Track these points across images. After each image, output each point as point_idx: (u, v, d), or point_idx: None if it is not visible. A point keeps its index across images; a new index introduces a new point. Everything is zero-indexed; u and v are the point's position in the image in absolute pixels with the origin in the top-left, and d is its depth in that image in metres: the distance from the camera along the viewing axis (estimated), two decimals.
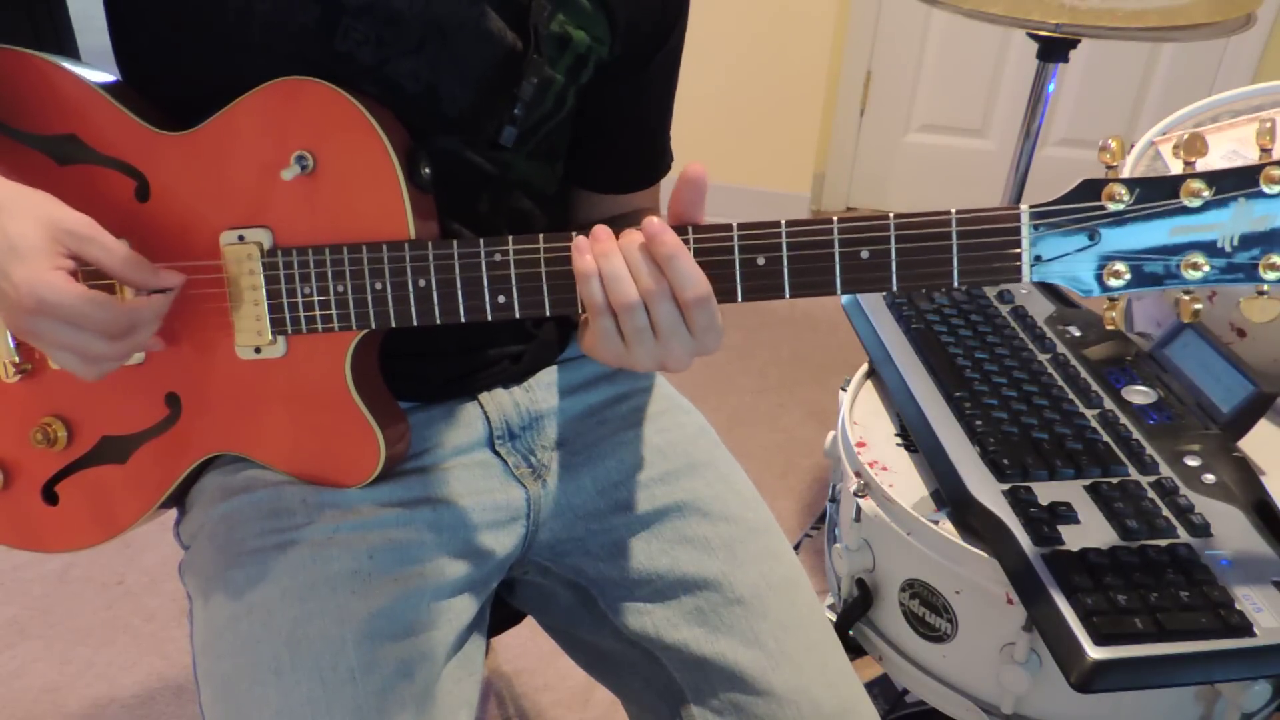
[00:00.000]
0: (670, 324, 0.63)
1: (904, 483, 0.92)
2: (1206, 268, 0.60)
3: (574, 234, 0.66)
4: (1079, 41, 1.40)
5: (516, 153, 0.78)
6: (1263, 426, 0.91)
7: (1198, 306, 0.62)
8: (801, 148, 2.78)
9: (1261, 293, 0.60)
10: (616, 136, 0.86)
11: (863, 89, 2.78)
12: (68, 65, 0.72)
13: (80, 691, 1.46)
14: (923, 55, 2.71)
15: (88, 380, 0.68)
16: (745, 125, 2.74)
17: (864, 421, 1.02)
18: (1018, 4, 1.30)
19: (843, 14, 2.62)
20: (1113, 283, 0.61)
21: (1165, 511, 0.80)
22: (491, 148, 0.76)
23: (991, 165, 2.74)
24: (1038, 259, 0.62)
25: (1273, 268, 0.59)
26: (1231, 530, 0.79)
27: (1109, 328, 0.65)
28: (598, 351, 0.67)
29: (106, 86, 0.72)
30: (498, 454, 0.83)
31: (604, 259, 0.63)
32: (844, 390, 1.06)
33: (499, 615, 0.96)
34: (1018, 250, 0.62)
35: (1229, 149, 1.08)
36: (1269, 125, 0.58)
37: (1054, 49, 1.44)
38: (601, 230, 0.65)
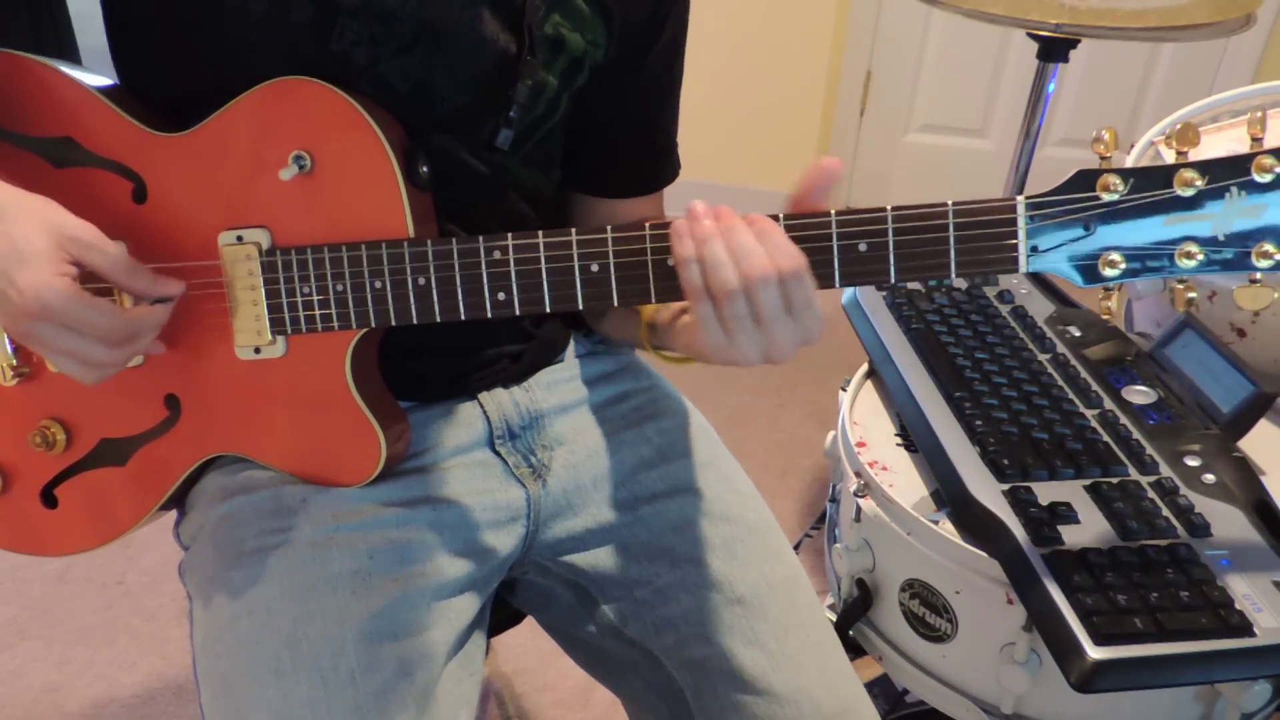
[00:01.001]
0: (773, 309, 0.61)
1: (904, 483, 0.92)
2: (1200, 256, 0.60)
3: (669, 221, 0.64)
4: (1079, 41, 1.39)
5: (511, 156, 0.78)
6: (1263, 426, 0.91)
7: (1192, 295, 0.62)
8: (801, 148, 2.78)
9: (1254, 281, 0.61)
10: (615, 140, 0.86)
11: (863, 89, 2.78)
12: (63, 68, 0.72)
13: (80, 691, 1.46)
14: (923, 55, 2.70)
15: (86, 385, 0.68)
16: (745, 125, 2.74)
17: (864, 421, 1.02)
18: (1018, 4, 1.30)
19: (843, 14, 2.62)
20: (1108, 273, 0.61)
21: (1165, 511, 0.80)
22: (488, 150, 0.76)
23: (991, 165, 2.74)
24: (1034, 250, 0.62)
25: (1264, 256, 0.59)
26: (1231, 530, 0.79)
27: (1104, 318, 0.66)
28: (699, 344, 0.65)
29: (102, 89, 0.72)
30: (498, 453, 0.83)
31: (704, 244, 0.62)
32: (844, 390, 1.06)
33: (499, 615, 0.95)
34: (1014, 241, 0.62)
35: (1229, 149, 1.08)
36: (1259, 115, 0.58)
37: (1054, 49, 1.44)
38: (699, 208, 0.63)
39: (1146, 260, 0.61)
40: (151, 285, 0.68)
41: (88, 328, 0.63)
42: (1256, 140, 0.59)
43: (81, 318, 0.63)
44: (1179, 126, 0.60)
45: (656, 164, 0.89)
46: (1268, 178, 0.58)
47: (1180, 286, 0.62)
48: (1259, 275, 0.60)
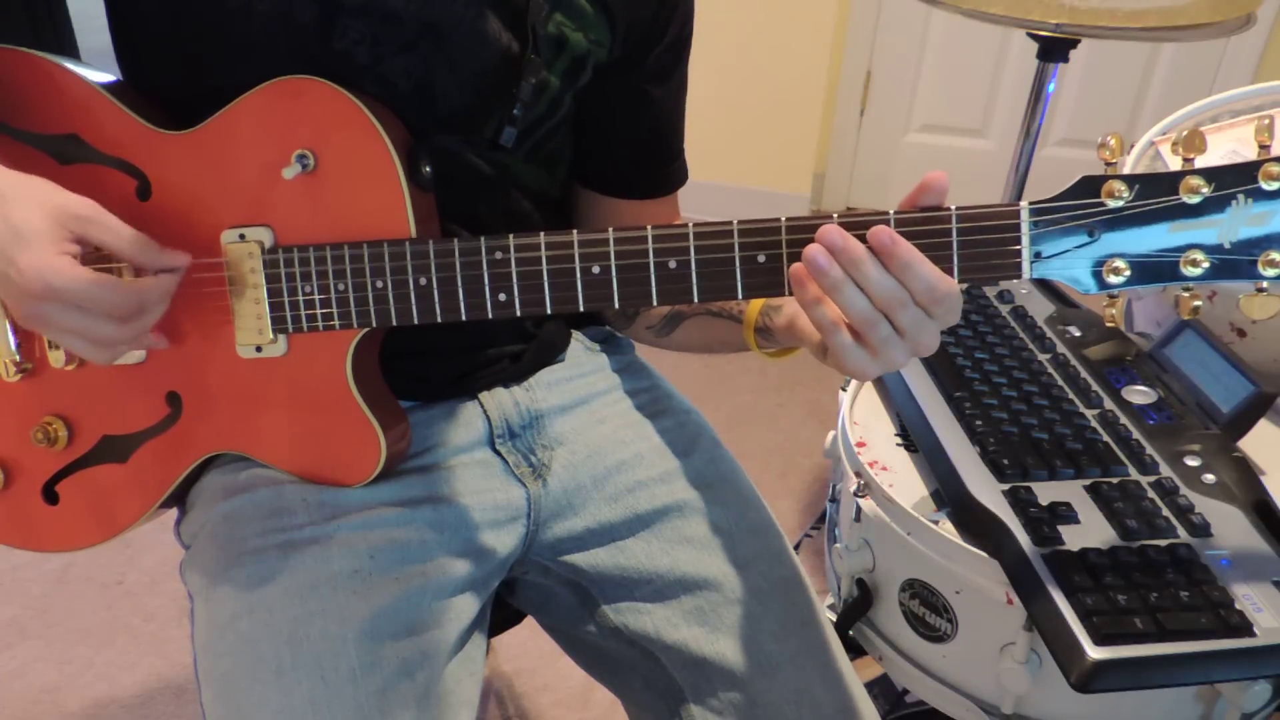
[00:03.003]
0: (916, 320, 0.61)
1: (904, 483, 0.92)
2: (1205, 264, 0.59)
3: (790, 264, 0.63)
4: (1079, 41, 1.39)
5: (515, 155, 0.78)
6: (1263, 426, 0.91)
7: (1197, 304, 0.62)
8: (801, 148, 2.78)
9: (1260, 290, 0.60)
10: (622, 140, 0.85)
11: (863, 89, 2.78)
12: (69, 65, 0.72)
13: (80, 691, 1.46)
14: (923, 55, 2.71)
15: (100, 364, 0.68)
16: (745, 125, 2.74)
17: (864, 421, 1.02)
18: (1018, 4, 1.30)
19: (843, 14, 2.63)
20: (1112, 280, 0.61)
21: (1165, 511, 0.80)
22: (492, 149, 0.76)
23: (992, 165, 2.74)
24: (1038, 256, 0.61)
25: (1271, 264, 0.58)
26: (1231, 530, 0.79)
27: (1108, 325, 0.65)
28: (844, 369, 0.64)
29: (108, 86, 0.72)
30: (498, 453, 0.83)
31: (834, 291, 0.60)
32: (844, 390, 1.06)
33: (499, 615, 0.96)
34: (1018, 247, 0.61)
35: (1229, 148, 1.08)
36: (1267, 122, 0.58)
37: (1054, 49, 1.44)
38: (820, 259, 0.60)
39: (1151, 268, 0.60)
40: (158, 256, 0.68)
41: (93, 304, 0.63)
42: (1264, 147, 0.58)
43: (86, 294, 0.62)
44: (1185, 132, 0.59)
45: (668, 163, 0.88)
46: (1275, 185, 0.57)
47: (1185, 294, 0.62)
48: (1265, 284, 0.60)
